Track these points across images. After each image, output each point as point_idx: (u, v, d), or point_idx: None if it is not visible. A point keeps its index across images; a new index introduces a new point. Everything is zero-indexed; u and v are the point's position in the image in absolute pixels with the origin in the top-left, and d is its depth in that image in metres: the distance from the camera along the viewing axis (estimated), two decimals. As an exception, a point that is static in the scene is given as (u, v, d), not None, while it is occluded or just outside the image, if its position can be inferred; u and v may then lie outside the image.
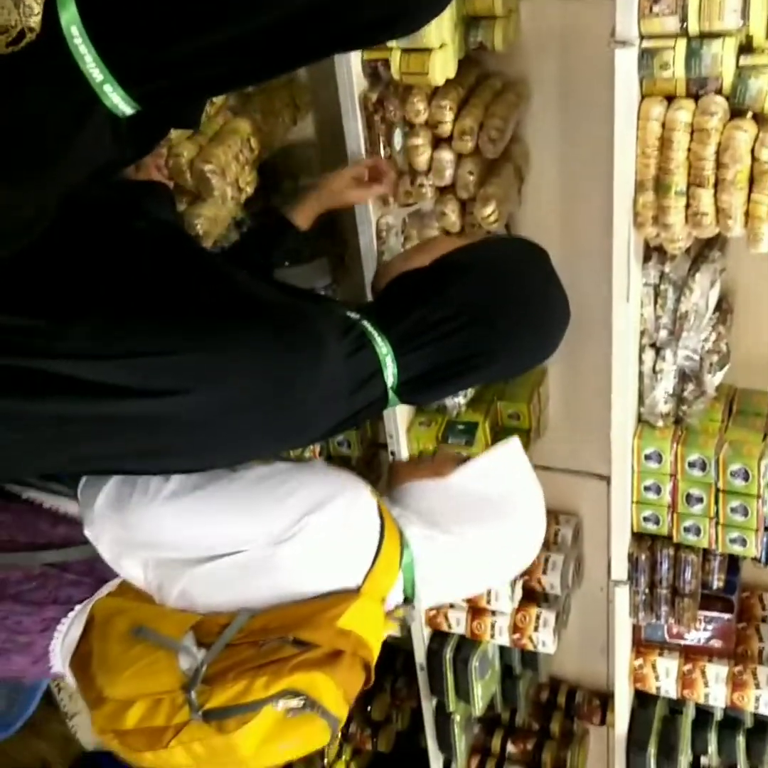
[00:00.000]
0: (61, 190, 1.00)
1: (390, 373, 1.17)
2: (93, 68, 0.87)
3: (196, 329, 1.07)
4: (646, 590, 2.16)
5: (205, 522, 1.19)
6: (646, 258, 1.85)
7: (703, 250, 1.87)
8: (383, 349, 1.16)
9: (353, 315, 1.18)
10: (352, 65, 1.62)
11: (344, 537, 1.21)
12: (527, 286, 1.24)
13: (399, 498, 1.36)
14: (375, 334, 1.16)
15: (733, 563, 2.22)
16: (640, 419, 2.01)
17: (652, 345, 1.91)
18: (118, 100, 0.91)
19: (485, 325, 1.19)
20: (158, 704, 1.11)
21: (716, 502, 1.97)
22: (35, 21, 0.85)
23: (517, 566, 1.39)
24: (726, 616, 2.27)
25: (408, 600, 1.30)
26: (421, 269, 1.25)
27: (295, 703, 1.11)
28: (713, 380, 1.93)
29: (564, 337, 1.30)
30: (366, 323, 1.17)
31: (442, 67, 1.63)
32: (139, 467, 1.18)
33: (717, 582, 2.19)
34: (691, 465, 1.96)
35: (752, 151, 1.52)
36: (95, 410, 1.04)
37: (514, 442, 1.40)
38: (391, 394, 1.19)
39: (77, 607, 1.22)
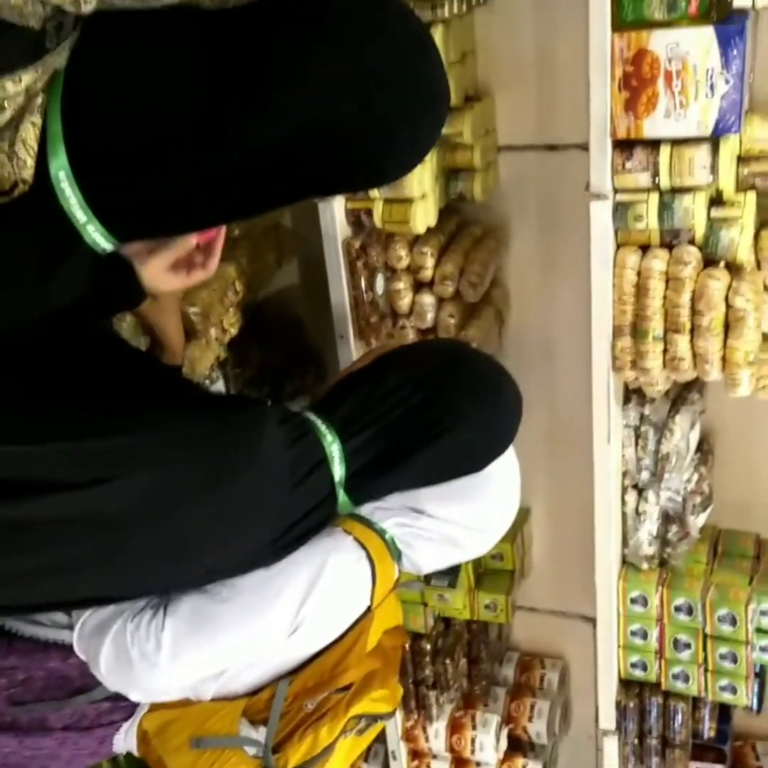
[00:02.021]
0: (35, 319, 1.00)
1: (337, 465, 1.12)
2: (77, 209, 0.90)
3: (124, 411, 1.01)
4: (636, 740, 2.09)
5: (210, 661, 1.21)
6: (627, 399, 1.87)
7: (683, 392, 1.90)
8: (328, 437, 1.11)
9: (295, 409, 1.16)
10: (335, 213, 1.67)
11: (343, 595, 1.24)
12: (468, 361, 1.23)
13: None
14: (318, 422, 1.12)
15: (724, 711, 2.16)
16: (625, 561, 1.99)
17: (635, 486, 1.91)
18: (99, 238, 0.93)
19: (428, 392, 1.16)
20: None
21: (704, 648, 1.93)
22: (28, 174, 0.88)
23: (497, 536, 1.37)
24: (718, 767, 2.19)
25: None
26: (363, 368, 1.24)
27: (360, 725, 1.30)
28: (697, 522, 1.92)
29: (519, 416, 1.27)
30: (308, 414, 1.14)
31: (424, 217, 1.68)
32: (62, 589, 1.09)
33: (708, 731, 2.12)
34: (678, 609, 1.93)
35: (726, 298, 1.56)
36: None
37: None
38: (340, 493, 1.14)
39: (124, 725, 1.29)
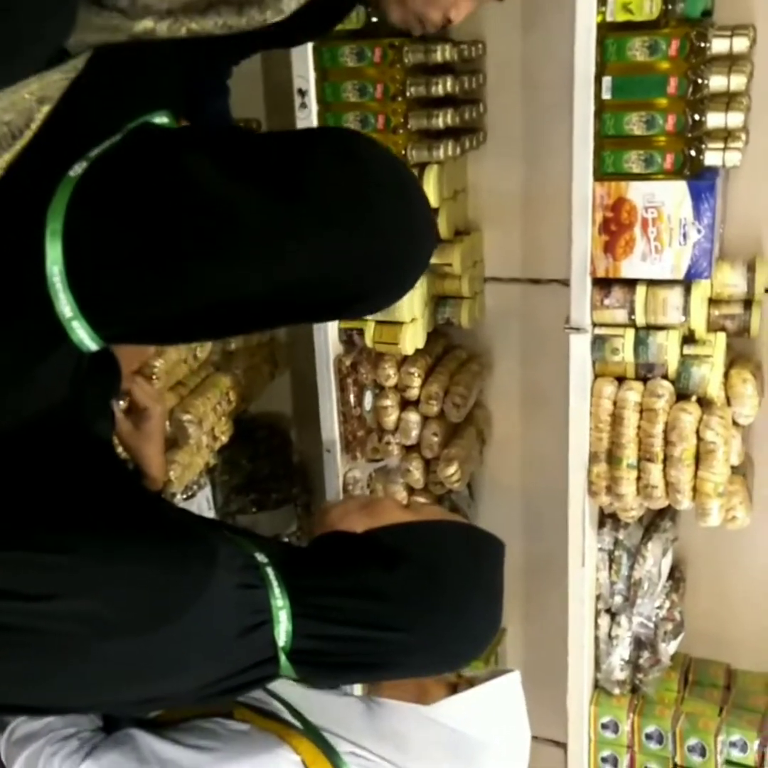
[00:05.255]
0: (9, 418, 1.00)
1: (282, 630, 1.04)
2: (64, 305, 0.92)
3: (83, 530, 0.99)
4: None
5: None
6: (601, 523, 1.92)
7: (655, 520, 1.95)
8: (279, 601, 1.03)
9: (261, 558, 1.07)
10: (329, 332, 1.75)
11: None
12: (453, 591, 1.12)
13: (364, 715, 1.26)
14: (274, 583, 1.04)
15: None
16: (597, 685, 2.00)
17: (608, 610, 1.94)
18: (84, 337, 0.95)
19: (411, 617, 1.09)
20: None
21: (675, 778, 1.93)
22: None
23: None
24: None
25: None
26: (350, 537, 1.14)
27: None
28: (668, 649, 1.95)
29: (486, 644, 1.18)
30: (269, 570, 1.06)
31: (412, 339, 1.77)
32: None
33: None
34: (648, 737, 1.93)
35: (697, 431, 1.64)
36: None
37: (513, 678, 1.27)
38: (282, 658, 1.05)
39: None
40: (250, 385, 1.91)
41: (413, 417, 1.89)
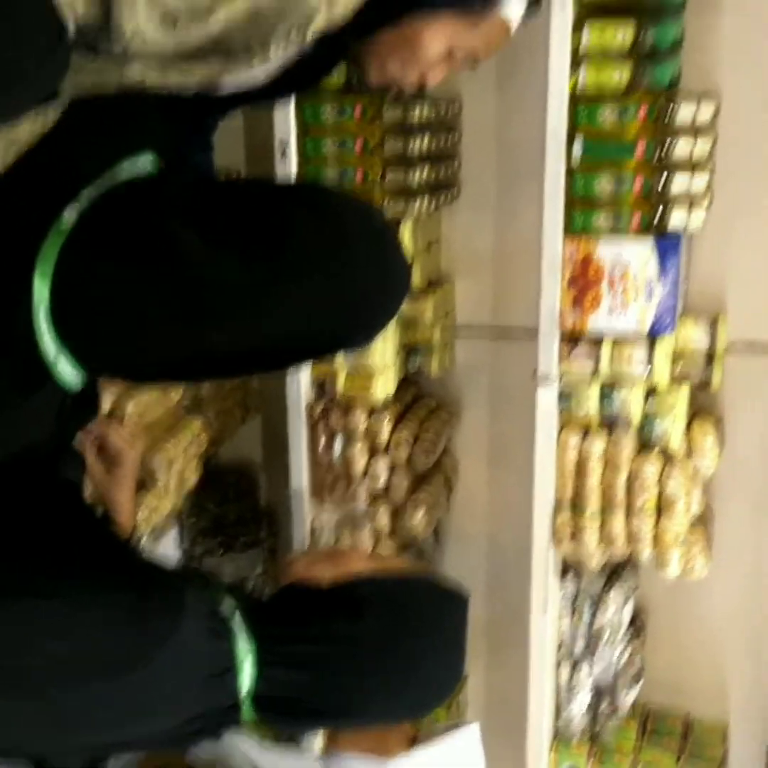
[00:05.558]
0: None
1: (247, 677, 1.05)
2: (49, 345, 0.94)
3: (53, 574, 1.01)
4: None
5: None
6: (564, 572, 1.95)
7: (617, 569, 1.98)
8: (244, 648, 1.05)
9: (228, 606, 1.08)
10: (301, 379, 1.78)
11: None
12: (418, 642, 1.15)
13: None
14: (240, 630, 1.06)
15: None
16: (557, 732, 2.02)
17: (569, 658, 1.96)
18: (68, 374, 0.97)
19: (359, 660, 1.12)
20: None
21: (632, 827, 1.95)
22: None
23: None
24: None
25: None
26: (316, 586, 1.16)
27: None
28: (627, 697, 1.97)
29: (449, 694, 1.22)
30: (236, 617, 1.07)
31: (383, 387, 1.80)
32: None
33: None
34: (607, 785, 1.95)
35: (659, 482, 1.69)
36: None
37: (472, 730, 1.29)
38: (246, 704, 1.06)
39: None
40: (221, 429, 1.93)
41: (382, 463, 1.91)
